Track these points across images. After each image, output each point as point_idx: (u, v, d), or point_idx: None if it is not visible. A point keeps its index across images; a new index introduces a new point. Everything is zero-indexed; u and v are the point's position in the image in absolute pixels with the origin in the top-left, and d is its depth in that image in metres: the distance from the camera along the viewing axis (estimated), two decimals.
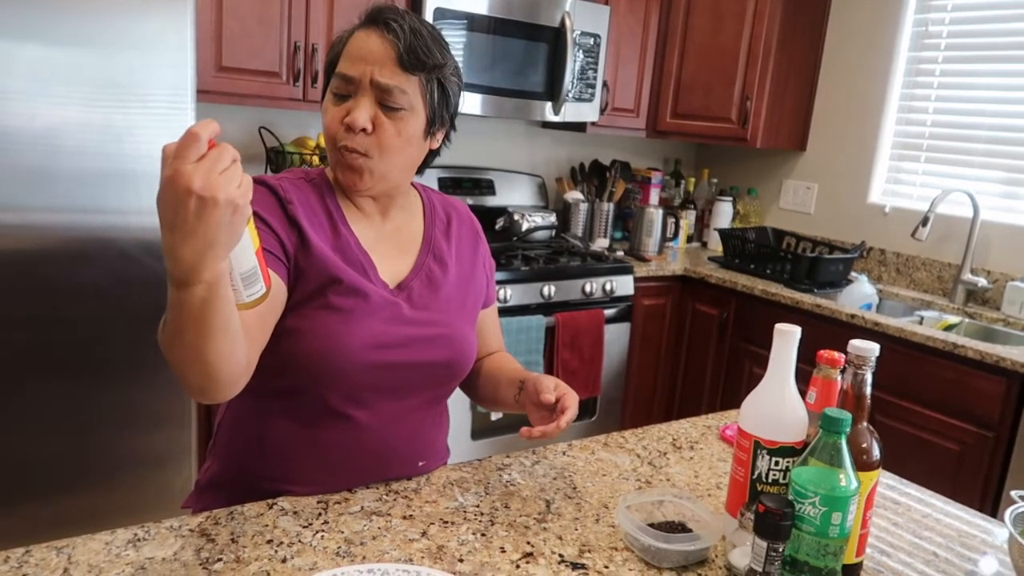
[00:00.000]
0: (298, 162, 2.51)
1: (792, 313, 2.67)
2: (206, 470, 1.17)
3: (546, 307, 2.64)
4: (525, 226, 2.94)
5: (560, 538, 0.99)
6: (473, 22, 2.56)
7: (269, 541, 0.93)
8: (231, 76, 2.24)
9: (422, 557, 0.92)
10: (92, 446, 1.87)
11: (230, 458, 1.13)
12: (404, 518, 1.01)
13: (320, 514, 1.00)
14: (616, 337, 2.87)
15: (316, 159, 2.52)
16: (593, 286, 2.75)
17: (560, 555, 0.96)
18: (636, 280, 2.89)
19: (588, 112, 2.95)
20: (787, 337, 0.95)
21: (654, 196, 3.48)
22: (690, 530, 1.00)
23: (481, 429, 2.61)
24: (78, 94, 1.70)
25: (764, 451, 0.95)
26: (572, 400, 1.06)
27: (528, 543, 0.98)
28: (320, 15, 2.35)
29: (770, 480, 0.95)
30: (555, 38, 2.77)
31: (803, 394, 0.96)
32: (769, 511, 0.81)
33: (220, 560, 0.89)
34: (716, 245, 3.35)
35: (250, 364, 0.90)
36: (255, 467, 1.09)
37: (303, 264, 1.02)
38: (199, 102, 1.91)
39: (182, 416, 1.99)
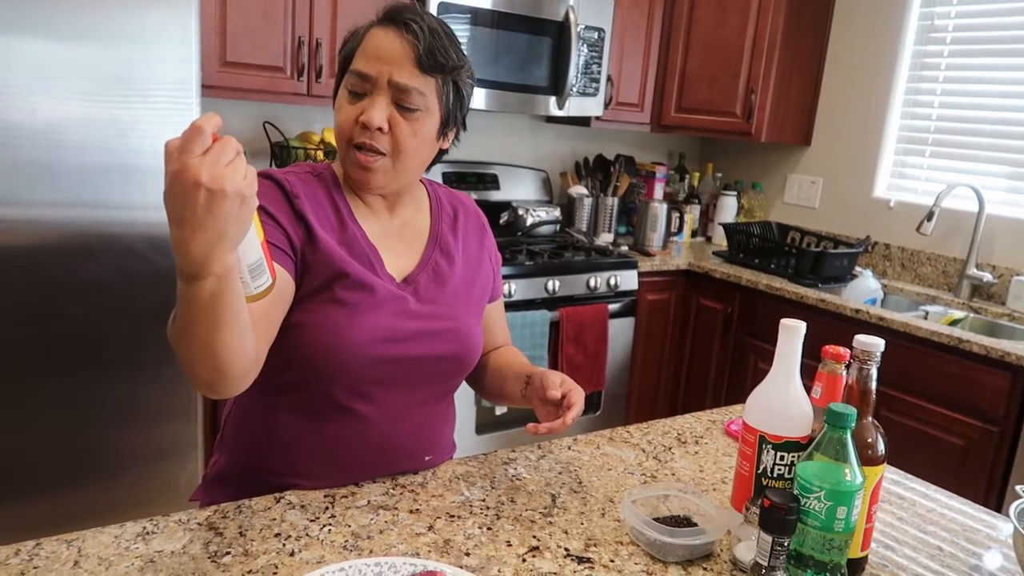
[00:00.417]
0: (303, 157, 2.51)
1: (796, 308, 2.67)
2: (213, 464, 1.17)
3: (550, 302, 2.64)
4: (529, 221, 2.94)
5: (566, 532, 1.00)
6: (477, 16, 2.56)
7: (277, 535, 0.94)
8: (235, 71, 2.25)
9: (429, 551, 0.93)
10: (98, 441, 1.88)
11: (237, 452, 1.13)
12: (411, 512, 1.02)
13: (327, 508, 1.01)
14: (620, 332, 2.87)
15: (321, 154, 2.53)
16: (597, 281, 2.75)
17: (566, 549, 0.96)
18: (640, 275, 2.89)
19: (592, 107, 2.95)
20: (792, 332, 0.95)
21: (658, 191, 3.48)
22: (695, 524, 1.00)
23: (486, 423, 2.61)
24: (81, 89, 1.70)
25: (769, 446, 0.95)
26: (578, 396, 1.07)
27: (534, 537, 0.98)
28: (324, 10, 2.34)
29: (775, 475, 0.95)
30: (559, 32, 2.76)
31: (808, 389, 0.96)
32: (774, 506, 0.82)
33: (228, 553, 0.89)
34: (720, 240, 3.35)
35: (258, 358, 0.91)
36: (262, 461, 1.09)
37: (310, 258, 1.02)
38: (203, 97, 1.91)
39: (188, 410, 2.00)
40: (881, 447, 0.93)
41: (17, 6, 1.60)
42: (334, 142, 2.53)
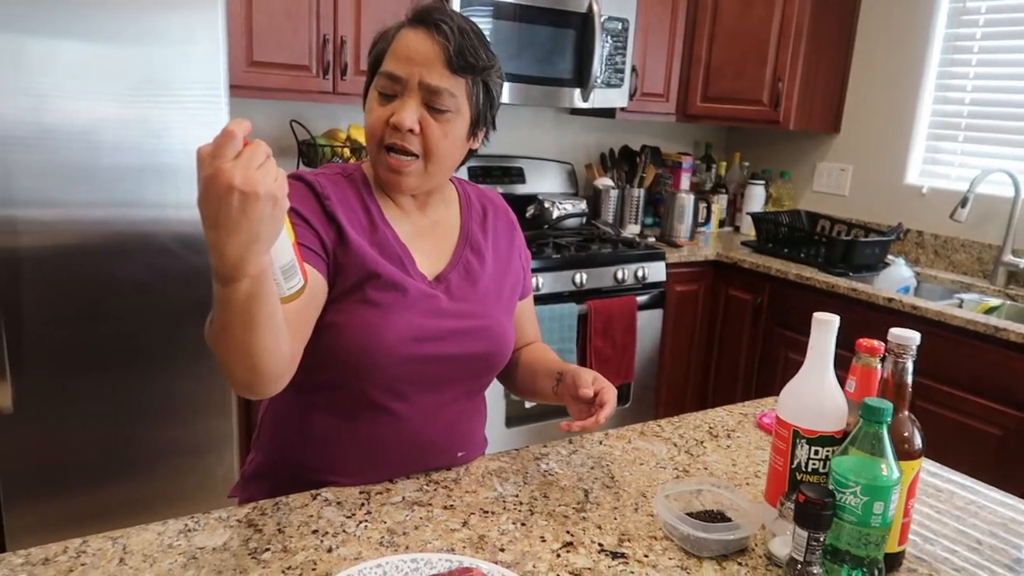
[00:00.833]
0: (329, 154, 2.53)
1: (828, 297, 2.64)
2: (250, 461, 1.19)
3: (578, 295, 2.64)
4: (556, 214, 2.93)
5: (599, 527, 1.00)
6: (500, 9, 2.55)
7: (315, 531, 0.96)
8: (262, 70, 2.27)
9: (464, 547, 0.94)
10: (137, 436, 1.92)
11: (273, 450, 1.15)
12: (445, 508, 1.03)
13: (363, 504, 1.02)
14: (649, 324, 2.86)
15: (347, 151, 2.54)
16: (625, 273, 2.74)
17: (600, 544, 0.96)
18: (668, 266, 2.87)
19: (617, 98, 2.93)
20: (826, 326, 0.94)
21: (685, 181, 3.45)
22: (729, 519, 1.00)
23: (516, 416, 2.62)
24: (115, 90, 1.73)
25: (803, 440, 0.95)
26: (611, 394, 1.07)
27: (568, 532, 0.99)
28: (348, 7, 2.36)
29: (809, 469, 0.95)
30: (583, 24, 2.75)
31: (842, 381, 0.96)
32: (809, 501, 0.81)
33: (268, 550, 0.91)
34: (748, 229, 3.32)
35: (294, 359, 0.92)
36: (298, 458, 1.11)
37: (342, 259, 1.03)
38: (231, 97, 1.93)
39: (223, 406, 2.03)
40: (918, 441, 0.92)
41: (55, 10, 1.63)
42: (361, 139, 2.55)
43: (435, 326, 1.07)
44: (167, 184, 1.83)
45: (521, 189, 3.09)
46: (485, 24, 2.53)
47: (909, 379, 0.91)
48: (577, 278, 2.63)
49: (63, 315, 1.77)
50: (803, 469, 0.95)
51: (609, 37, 2.82)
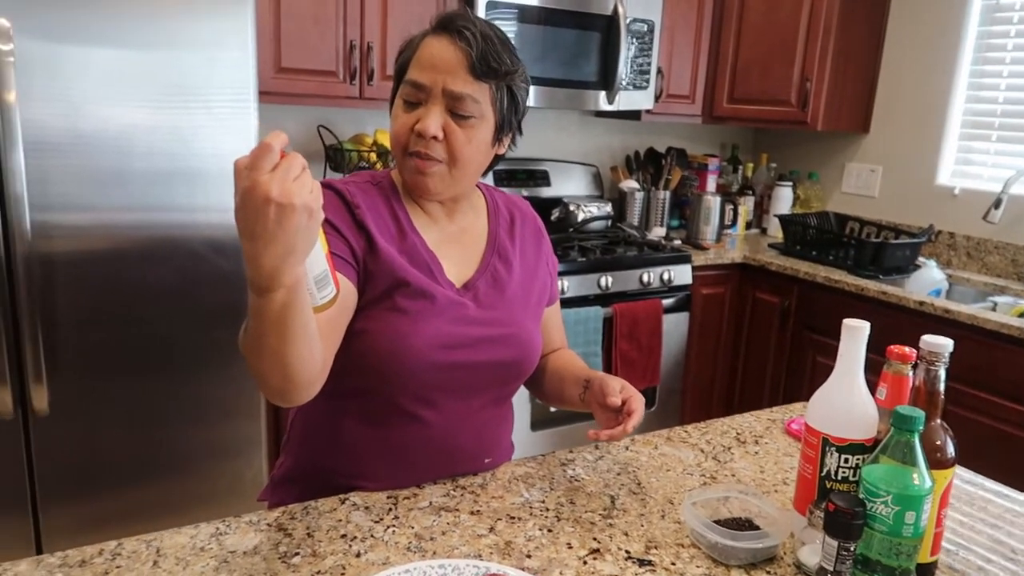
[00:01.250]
0: (356, 159, 2.55)
1: (857, 300, 2.60)
2: (280, 465, 1.21)
3: (604, 298, 2.64)
4: (581, 216, 2.93)
5: (626, 534, 1.00)
6: (524, 13, 2.56)
7: (343, 536, 0.97)
8: (290, 76, 2.29)
9: (491, 553, 0.94)
10: (167, 438, 1.95)
11: (303, 455, 1.16)
12: (472, 513, 1.03)
13: (390, 509, 1.03)
14: (675, 327, 2.85)
15: (373, 155, 2.56)
16: (651, 276, 2.73)
17: (627, 551, 0.96)
18: (694, 269, 2.86)
19: (643, 100, 2.92)
20: (856, 333, 0.93)
21: (711, 183, 3.43)
22: (758, 527, 0.99)
23: (541, 420, 2.62)
24: (147, 97, 1.76)
25: (833, 448, 0.94)
26: (638, 403, 1.07)
27: (595, 539, 0.99)
28: (374, 14, 2.38)
29: (839, 477, 0.94)
30: (608, 26, 2.75)
31: (872, 387, 0.94)
32: (840, 510, 0.81)
33: (298, 554, 0.92)
34: (776, 231, 3.29)
35: (325, 366, 0.93)
36: (327, 463, 1.12)
37: (371, 267, 1.04)
38: (260, 103, 1.95)
39: (251, 409, 2.06)
40: (951, 450, 0.90)
41: (88, 19, 1.66)
42: (387, 143, 2.56)
43: (463, 333, 1.08)
44: (196, 189, 1.86)
45: (546, 192, 3.09)
46: (510, 27, 2.54)
47: (942, 387, 0.89)
48: (602, 281, 2.62)
49: (96, 319, 1.80)
50: (833, 477, 0.94)
51: (634, 39, 2.81)
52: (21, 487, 1.79)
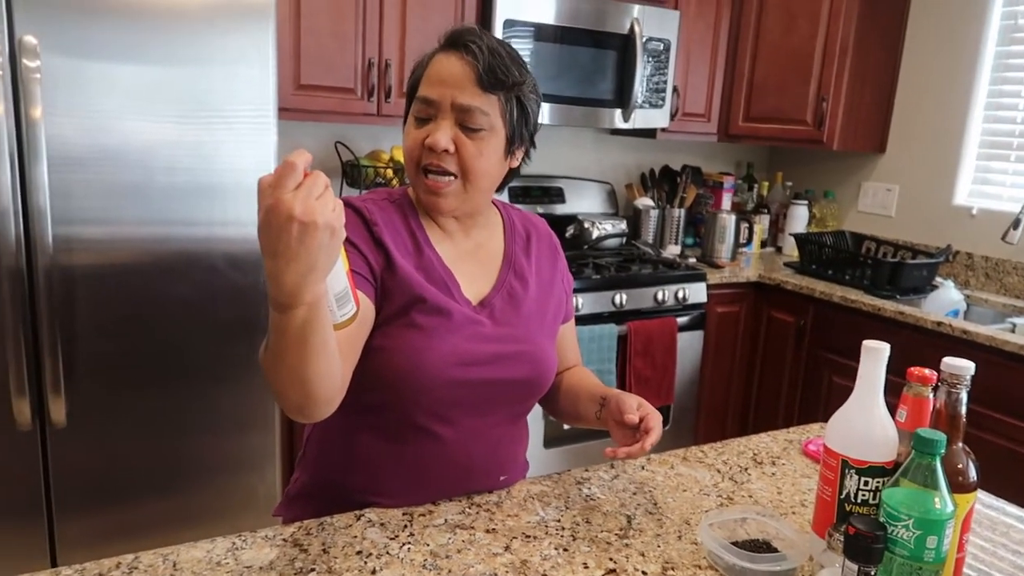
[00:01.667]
0: (372, 175, 2.57)
1: (874, 320, 2.58)
2: (295, 481, 1.21)
3: (618, 315, 2.63)
4: (595, 234, 2.93)
5: (643, 555, 0.99)
6: (541, 32, 2.58)
7: (359, 552, 0.96)
8: (309, 93, 2.32)
9: (507, 572, 0.94)
10: (182, 450, 1.96)
11: (318, 471, 1.17)
12: (487, 531, 1.03)
13: (406, 526, 1.03)
14: (689, 345, 2.84)
15: (390, 171, 2.58)
16: (665, 294, 2.72)
17: (643, 572, 0.96)
18: (709, 287, 2.85)
19: (658, 118, 2.93)
20: (875, 355, 0.93)
21: (726, 201, 3.42)
22: (776, 549, 0.98)
23: (554, 437, 2.61)
24: (169, 112, 1.78)
25: (852, 471, 0.93)
26: (656, 421, 1.06)
27: (611, 559, 0.98)
28: (393, 32, 2.40)
29: (859, 500, 0.93)
30: (624, 45, 2.76)
31: (891, 408, 0.94)
32: (860, 533, 0.80)
33: (313, 570, 0.92)
34: (791, 250, 3.28)
35: (344, 383, 0.94)
36: (342, 479, 1.12)
37: (389, 284, 1.05)
38: (279, 120, 1.97)
39: (266, 421, 2.06)
40: (973, 474, 0.89)
41: (112, 36, 1.69)
42: (403, 159, 2.58)
43: (479, 350, 1.08)
44: (216, 204, 1.87)
45: (561, 209, 3.09)
46: (526, 46, 2.56)
47: (963, 410, 0.89)
48: (617, 299, 2.62)
49: (114, 331, 1.82)
50: (852, 500, 0.93)
51: (650, 58, 2.82)
52: (37, 498, 1.80)
